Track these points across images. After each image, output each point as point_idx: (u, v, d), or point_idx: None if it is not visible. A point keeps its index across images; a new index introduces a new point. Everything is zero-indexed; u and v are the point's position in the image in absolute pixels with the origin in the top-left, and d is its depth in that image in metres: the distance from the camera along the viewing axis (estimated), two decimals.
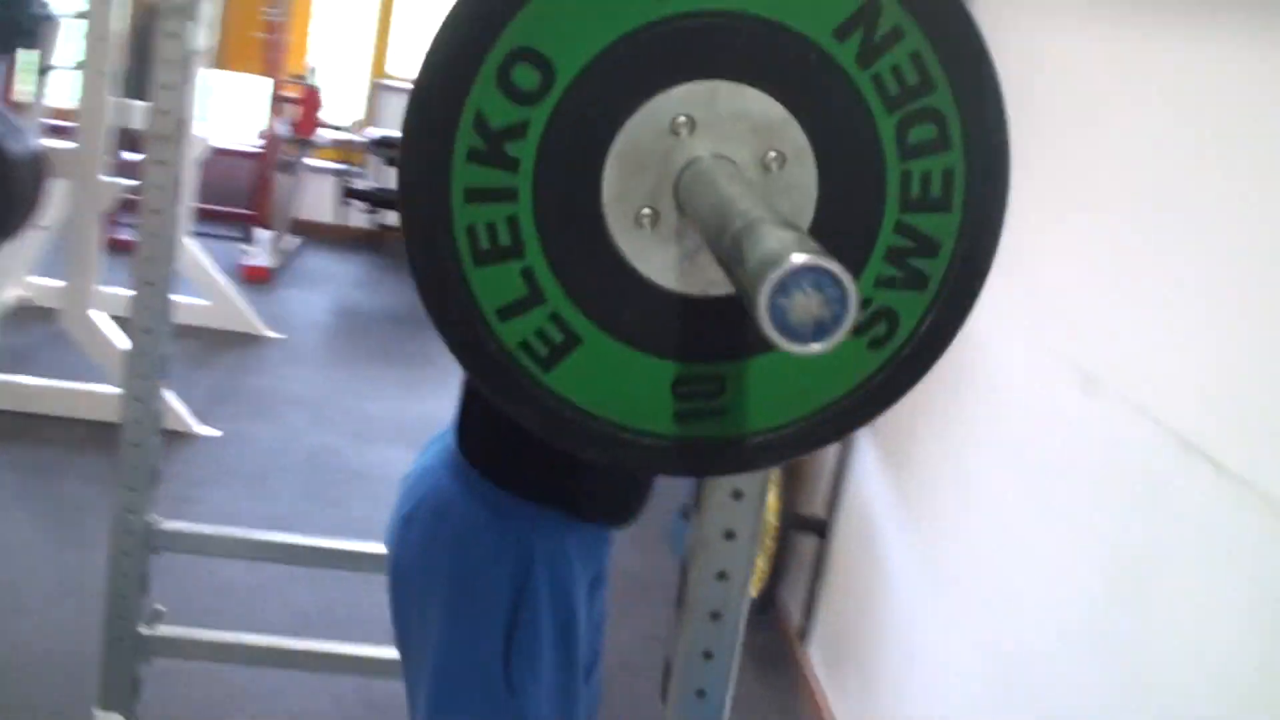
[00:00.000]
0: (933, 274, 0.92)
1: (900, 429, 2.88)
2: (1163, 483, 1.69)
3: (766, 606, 3.50)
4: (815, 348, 0.61)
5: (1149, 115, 1.88)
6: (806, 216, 0.90)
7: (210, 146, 5.80)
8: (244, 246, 6.65)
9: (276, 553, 2.73)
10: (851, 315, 0.60)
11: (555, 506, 1.62)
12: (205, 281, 5.56)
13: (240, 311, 5.60)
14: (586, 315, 0.91)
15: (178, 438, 4.31)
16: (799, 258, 0.59)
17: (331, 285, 6.71)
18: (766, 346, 0.93)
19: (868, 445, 3.12)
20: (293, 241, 7.00)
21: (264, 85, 6.87)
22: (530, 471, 1.60)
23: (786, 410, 0.94)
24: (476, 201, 0.88)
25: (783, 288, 0.59)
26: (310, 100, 6.68)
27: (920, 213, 0.90)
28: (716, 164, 0.87)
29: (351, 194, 7.05)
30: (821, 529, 3.31)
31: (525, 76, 0.86)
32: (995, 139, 0.89)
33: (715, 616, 1.19)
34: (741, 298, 0.65)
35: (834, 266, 0.59)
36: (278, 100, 6.77)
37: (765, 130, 0.88)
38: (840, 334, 0.61)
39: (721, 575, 1.19)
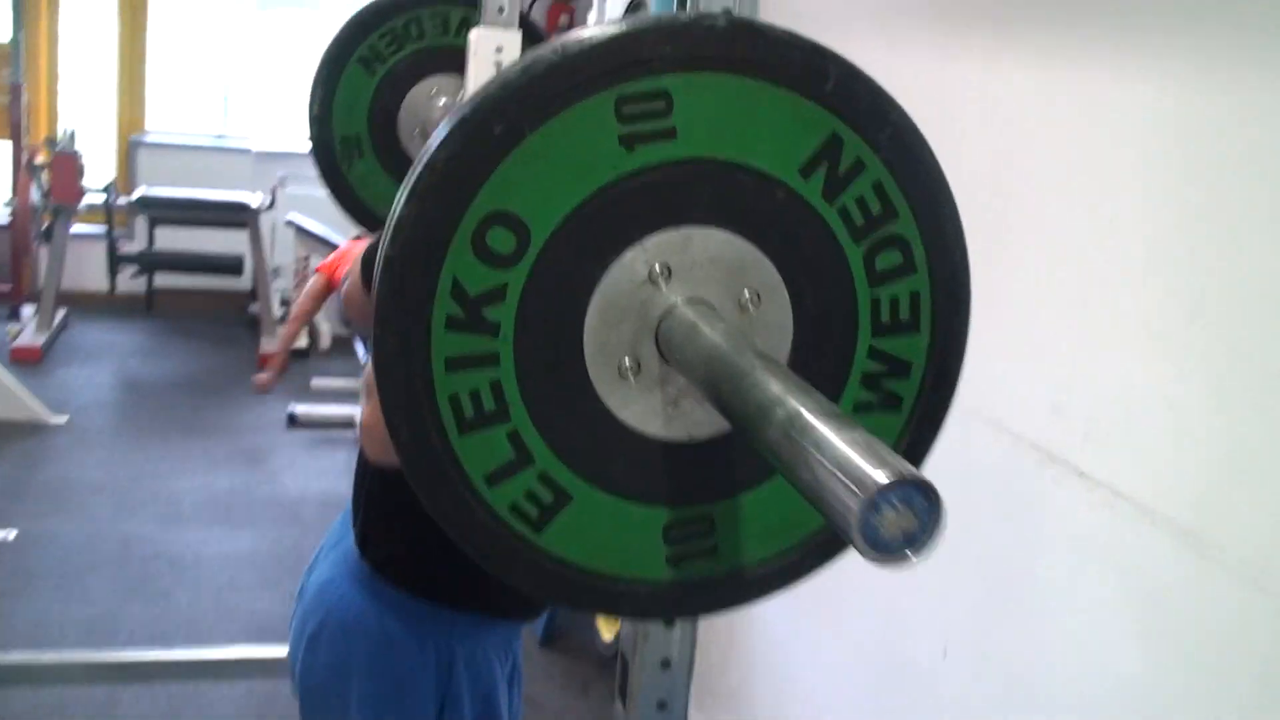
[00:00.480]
0: (905, 394, 0.94)
1: None
2: (1030, 493, 1.77)
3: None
4: (908, 558, 0.61)
5: (983, 134, 1.97)
6: (784, 350, 0.91)
7: None
8: (9, 326, 6.24)
9: (126, 674, 2.59)
10: (942, 525, 0.61)
11: (471, 608, 1.59)
12: None
13: (17, 397, 5.26)
14: (575, 472, 0.89)
15: None
16: (888, 476, 0.60)
17: (109, 357, 6.38)
18: (754, 482, 0.94)
19: None
20: (60, 314, 6.62)
21: (7, 152, 6.48)
22: (444, 576, 1.56)
23: (776, 540, 0.94)
24: (458, 370, 0.86)
25: (874, 507, 0.60)
26: (66, 165, 6.32)
27: (891, 336, 0.92)
28: (696, 310, 0.87)
29: (120, 258, 6.71)
30: None
31: (500, 240, 0.84)
32: (956, 259, 0.92)
33: (662, 707, 1.18)
34: (812, 502, 0.65)
35: (922, 479, 0.60)
36: (30, 167, 6.39)
37: (739, 271, 0.89)
38: (931, 543, 0.61)
39: (665, 663, 1.19)
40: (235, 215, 6.49)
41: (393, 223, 0.84)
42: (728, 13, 1.02)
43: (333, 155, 2.17)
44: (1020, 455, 1.77)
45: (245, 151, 7.43)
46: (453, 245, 0.84)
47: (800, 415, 0.68)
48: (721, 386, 0.79)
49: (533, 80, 0.83)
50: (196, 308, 7.28)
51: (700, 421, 0.90)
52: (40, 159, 6.46)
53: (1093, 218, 1.66)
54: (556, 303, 0.86)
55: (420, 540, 1.50)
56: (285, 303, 6.76)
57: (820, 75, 0.87)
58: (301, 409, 5.51)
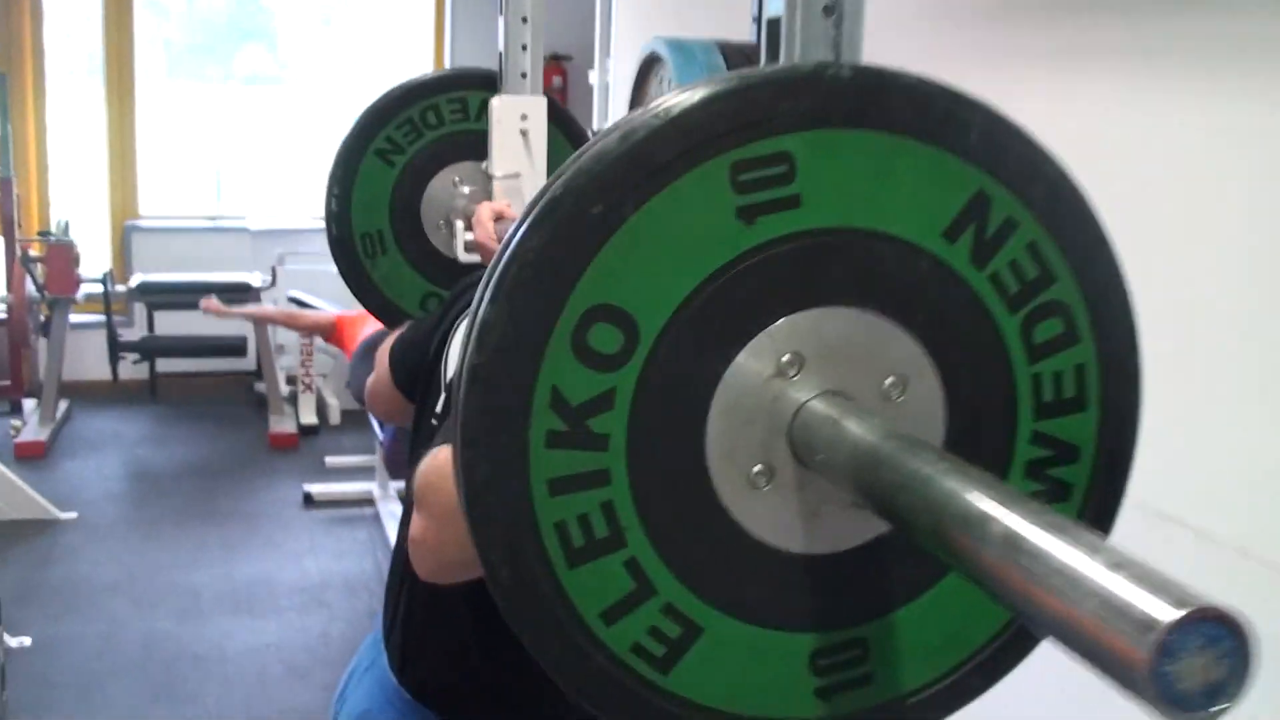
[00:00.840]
0: (1076, 481, 0.81)
1: None
2: (1143, 555, 1.64)
3: None
4: (1215, 715, 0.48)
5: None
6: (936, 443, 0.78)
7: None
8: (11, 422, 6.10)
9: None
10: (1255, 666, 0.48)
11: None
12: None
13: (23, 495, 5.11)
14: (704, 600, 0.77)
15: None
16: (1179, 609, 0.47)
17: (115, 447, 6.24)
18: (911, 595, 0.81)
19: None
20: (62, 407, 6.48)
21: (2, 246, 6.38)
22: (492, 698, 1.43)
23: (938, 661, 0.81)
24: (564, 492, 0.73)
25: (1168, 653, 0.47)
26: (61, 256, 6.22)
27: (1056, 417, 0.80)
28: (836, 405, 0.74)
29: (120, 347, 6.58)
30: None
31: (604, 338, 0.72)
32: (1124, 323, 0.80)
33: None
34: (1068, 646, 0.52)
35: (1223, 609, 0.48)
36: (24, 260, 6.28)
37: (881, 355, 0.77)
38: (1243, 691, 0.49)
39: None
40: (236, 296, 6.36)
41: (477, 326, 0.72)
42: (822, 63, 0.91)
43: (354, 253, 2.05)
44: (1124, 515, 1.64)
45: (242, 231, 7.34)
46: (549, 349, 0.72)
47: (1021, 536, 0.56)
48: (895, 497, 0.66)
49: (633, 150, 0.71)
50: (201, 391, 7.16)
51: (846, 531, 0.78)
52: (34, 251, 6.36)
53: (1200, 259, 1.54)
54: (673, 407, 0.74)
55: (466, 661, 1.37)
56: (291, 380, 6.64)
57: (962, 126, 0.75)
58: (317, 489, 5.37)
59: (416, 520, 1.41)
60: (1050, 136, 0.78)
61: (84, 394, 6.84)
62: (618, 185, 0.71)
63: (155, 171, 7.47)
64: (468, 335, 0.72)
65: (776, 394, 0.75)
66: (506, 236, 0.74)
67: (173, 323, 6.77)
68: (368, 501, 5.30)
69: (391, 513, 4.96)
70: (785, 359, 0.75)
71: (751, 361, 0.74)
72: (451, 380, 1.34)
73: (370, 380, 1.70)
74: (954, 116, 0.75)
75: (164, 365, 6.95)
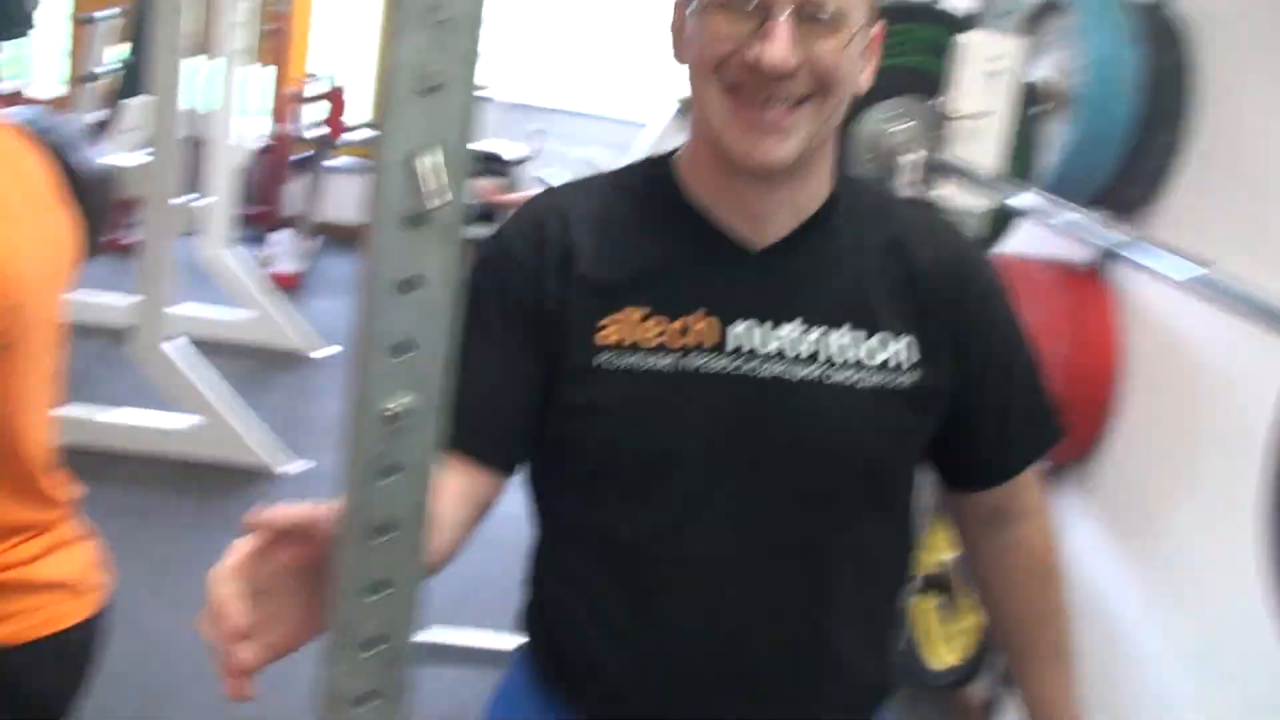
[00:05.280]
0: None
1: (1137, 490, 2.64)
2: None
3: None
4: None
5: None
6: None
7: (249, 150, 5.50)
8: (264, 250, 6.23)
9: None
10: None
11: None
12: (245, 293, 5.28)
13: (286, 326, 5.31)
14: None
15: (257, 477, 4.08)
16: None
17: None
18: None
19: (1080, 515, 2.88)
20: (315, 244, 6.67)
21: (271, 78, 6.55)
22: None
23: None
24: None
25: None
26: (338, 99, 6.39)
27: None
28: None
29: None
30: None
31: None
32: None
33: None
34: None
35: None
36: (295, 97, 6.46)
37: None
38: None
39: None
40: (491, 166, 6.43)
41: None
42: None
43: None
44: None
45: (487, 100, 7.42)
46: None
47: None
48: None
49: None
50: None
51: None
52: (310, 92, 6.51)
53: None
54: None
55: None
56: None
57: None
58: None
59: None
60: None
61: (334, 235, 6.96)
62: None
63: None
64: None
65: None
66: None
67: None
68: None
69: None
70: None
71: None
72: None
73: None
74: None
75: None
